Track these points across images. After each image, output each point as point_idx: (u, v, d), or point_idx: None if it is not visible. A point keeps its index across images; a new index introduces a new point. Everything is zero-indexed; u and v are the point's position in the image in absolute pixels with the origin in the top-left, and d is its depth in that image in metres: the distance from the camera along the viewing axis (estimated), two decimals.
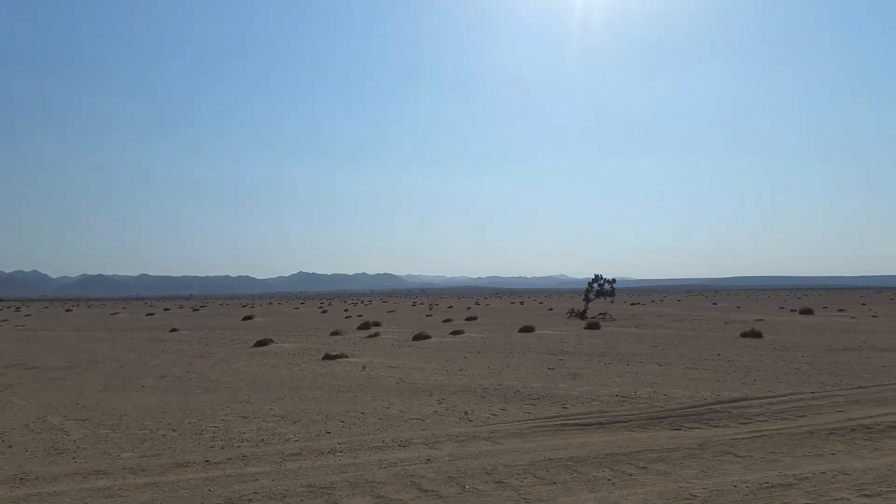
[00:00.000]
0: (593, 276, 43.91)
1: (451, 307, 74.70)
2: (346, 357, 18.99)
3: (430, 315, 50.10)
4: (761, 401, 11.16)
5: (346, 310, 69.13)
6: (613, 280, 44.35)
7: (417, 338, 24.98)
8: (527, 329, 29.27)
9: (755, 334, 24.26)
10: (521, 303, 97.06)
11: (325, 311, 65.99)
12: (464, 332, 28.34)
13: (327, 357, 18.73)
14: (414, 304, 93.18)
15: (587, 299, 42.54)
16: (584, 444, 8.35)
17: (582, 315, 41.10)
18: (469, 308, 68.68)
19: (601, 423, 9.56)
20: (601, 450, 7.94)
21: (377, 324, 36.30)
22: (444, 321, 40.93)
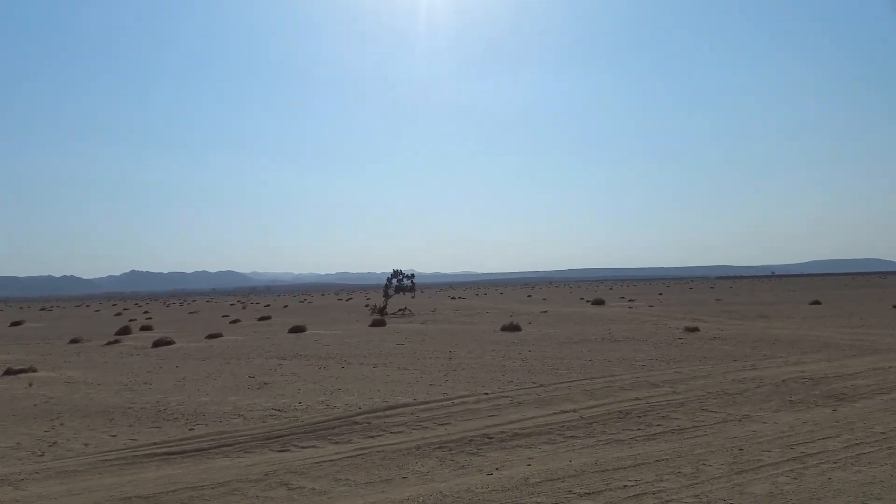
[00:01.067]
0: (392, 272, 43.08)
1: (269, 306, 71.31)
2: (35, 371, 16.17)
3: (227, 316, 46.85)
4: (424, 406, 10.24)
5: (118, 313, 63.26)
6: (412, 275, 43.81)
7: (157, 344, 22.42)
8: (297, 329, 27.48)
9: (514, 327, 24.19)
10: (349, 299, 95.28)
11: (119, 314, 60.01)
12: (222, 336, 26.04)
13: (8, 372, 15.85)
14: (233, 304, 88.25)
15: (387, 295, 41.63)
16: (137, 480, 6.77)
17: (381, 311, 40.08)
18: (286, 306, 65.82)
19: (201, 449, 8.04)
20: (138, 489, 6.41)
21: (148, 328, 32.83)
22: (231, 322, 38.14)
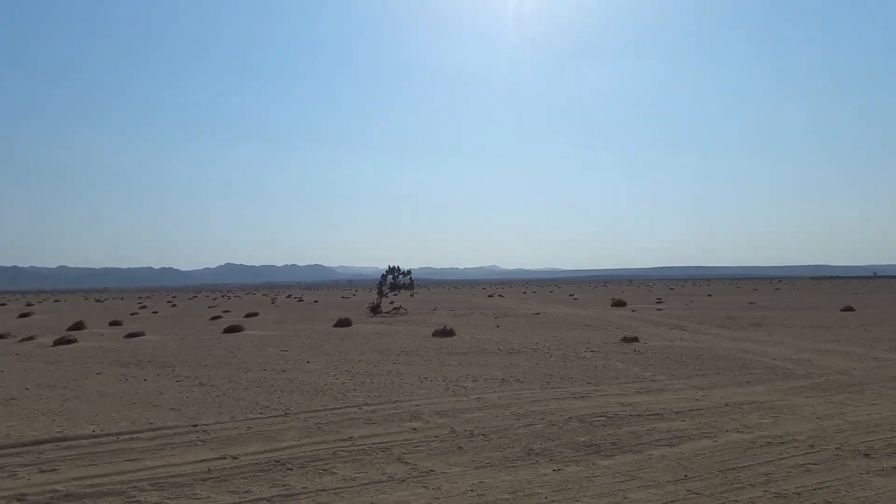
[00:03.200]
0: (388, 268, 41.24)
1: (301, 300, 71.11)
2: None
3: (227, 311, 46.11)
4: (77, 441, 8.31)
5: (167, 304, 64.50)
6: (409, 272, 41.80)
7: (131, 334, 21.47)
8: (233, 329, 26.11)
9: (447, 333, 21.86)
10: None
11: (174, 307, 61.23)
12: (142, 335, 24.96)
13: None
14: (274, 298, 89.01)
15: (381, 293, 39.86)
16: None
17: (375, 309, 38.41)
18: (316, 301, 65.35)
19: None
20: None
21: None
22: (212, 318, 37.40)
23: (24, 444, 8.08)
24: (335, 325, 29.17)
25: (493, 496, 6.14)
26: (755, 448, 7.52)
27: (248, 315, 38.58)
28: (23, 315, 44.43)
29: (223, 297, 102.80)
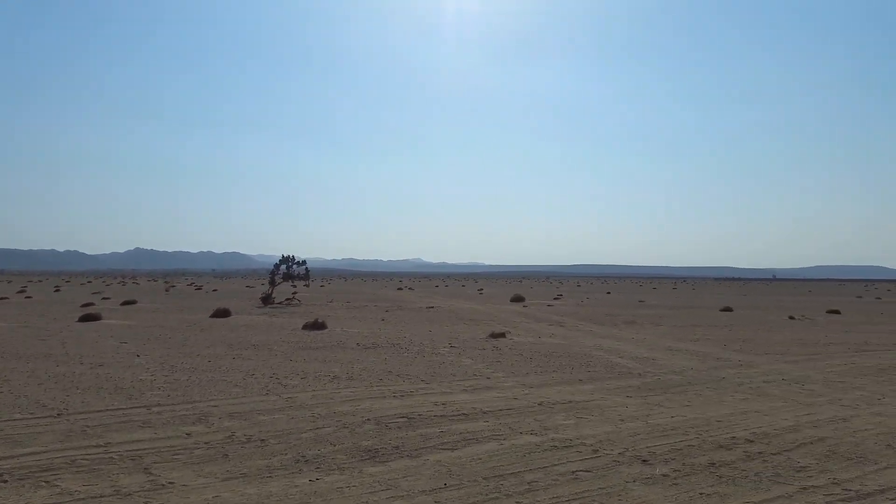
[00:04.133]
0: (281, 257, 39.86)
1: (199, 288, 68.32)
2: None
3: (107, 298, 43.29)
4: None
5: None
6: (304, 262, 40.58)
7: None
8: (88, 318, 24.31)
9: (317, 326, 20.97)
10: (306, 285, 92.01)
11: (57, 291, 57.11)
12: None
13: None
14: (172, 286, 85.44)
15: (273, 283, 38.45)
16: None
17: (266, 300, 36.97)
18: (215, 290, 62.77)
19: None
20: None
21: None
22: (83, 305, 35.01)
23: None
24: (211, 316, 27.78)
25: None
26: (537, 452, 7.14)
27: (125, 303, 36.41)
28: None
29: (120, 283, 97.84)
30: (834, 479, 6.34)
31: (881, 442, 7.62)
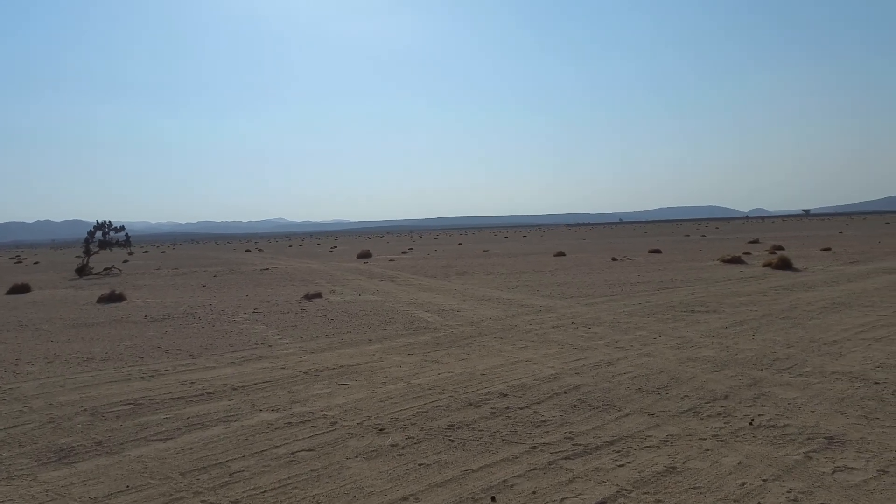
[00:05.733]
0: (96, 223, 36.23)
1: (21, 260, 61.41)
2: None
3: None
4: None
5: None
6: (123, 228, 37.18)
7: None
8: None
9: (114, 297, 18.85)
10: (144, 252, 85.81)
11: None
12: None
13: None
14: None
15: (87, 252, 34.86)
16: None
17: (81, 271, 33.38)
18: (21, 261, 56.49)
19: None
20: None
21: None
22: None
23: None
24: (8, 293, 24.61)
25: None
26: (265, 433, 6.34)
27: None
28: None
29: None
30: (570, 432, 6.06)
31: (633, 386, 7.54)
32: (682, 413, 6.48)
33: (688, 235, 70.79)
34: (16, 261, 66.79)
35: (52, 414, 7.26)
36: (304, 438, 6.20)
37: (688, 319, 12.12)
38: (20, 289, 25.29)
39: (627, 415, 6.55)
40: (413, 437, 6.10)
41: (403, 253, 48.65)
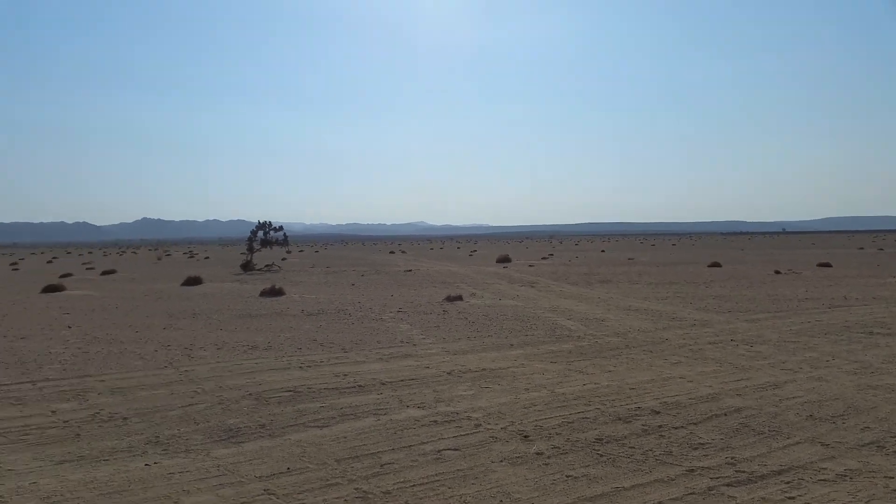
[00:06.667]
0: (258, 223, 39.19)
1: (193, 255, 67.91)
2: None
3: (91, 268, 42.81)
4: None
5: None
6: (281, 227, 39.87)
7: None
8: (51, 288, 23.81)
9: (274, 292, 20.32)
10: (300, 251, 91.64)
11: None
12: None
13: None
14: (162, 255, 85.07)
15: (251, 249, 37.84)
16: None
17: (245, 267, 36.41)
18: (207, 258, 62.28)
19: None
20: None
21: None
22: (62, 276, 34.59)
23: None
24: (182, 284, 27.26)
25: (21, 502, 4.81)
26: (412, 429, 6.50)
27: (105, 272, 35.96)
28: None
29: (120, 253, 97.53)
30: (732, 458, 5.66)
31: (803, 412, 6.92)
32: (863, 446, 5.83)
33: (862, 248, 64.26)
34: (189, 255, 73.84)
35: (221, 396, 7.87)
36: (449, 438, 6.26)
37: (865, 342, 10.96)
38: (193, 281, 27.84)
39: (797, 443, 6.00)
40: (559, 448, 5.97)
41: (543, 258, 48.18)
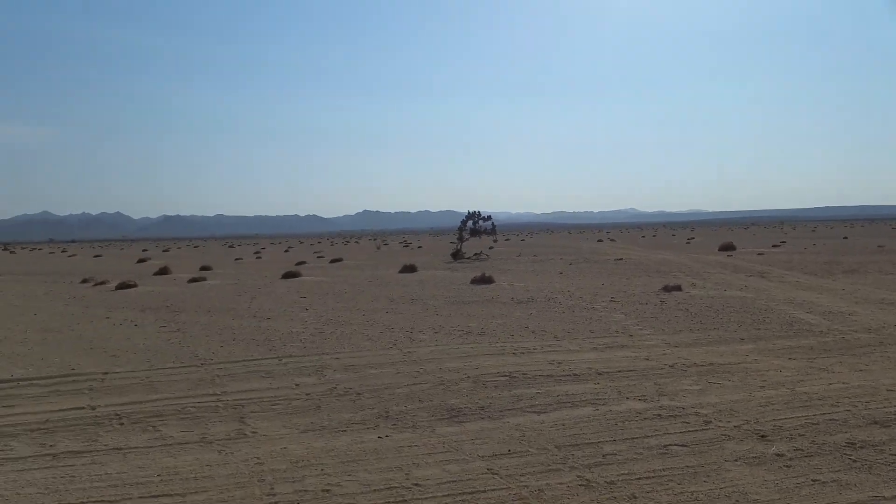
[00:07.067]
0: (468, 213, 40.48)
1: (408, 244, 72.27)
2: None
3: (321, 256, 47.21)
4: None
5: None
6: (489, 217, 40.77)
7: (194, 279, 22.88)
8: (290, 275, 26.76)
9: (484, 280, 21.01)
10: (506, 240, 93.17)
11: (288, 251, 64.64)
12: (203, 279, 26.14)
13: None
14: (381, 244, 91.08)
15: (461, 239, 39.35)
16: None
17: (455, 255, 38.13)
18: (408, 245, 66.03)
19: None
20: None
21: (207, 268, 34.32)
22: (333, 260, 38.73)
23: None
24: (399, 272, 29.09)
25: (275, 465, 5.52)
26: (635, 421, 6.30)
27: (334, 261, 39.57)
28: (140, 260, 48.40)
29: (344, 242, 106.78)
30: None
31: None
32: None
33: None
34: (404, 245, 78.62)
35: (442, 377, 8.23)
36: (675, 433, 5.94)
37: None
38: (409, 269, 29.51)
39: None
40: (803, 450, 5.39)
41: (774, 246, 43.95)
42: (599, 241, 72.05)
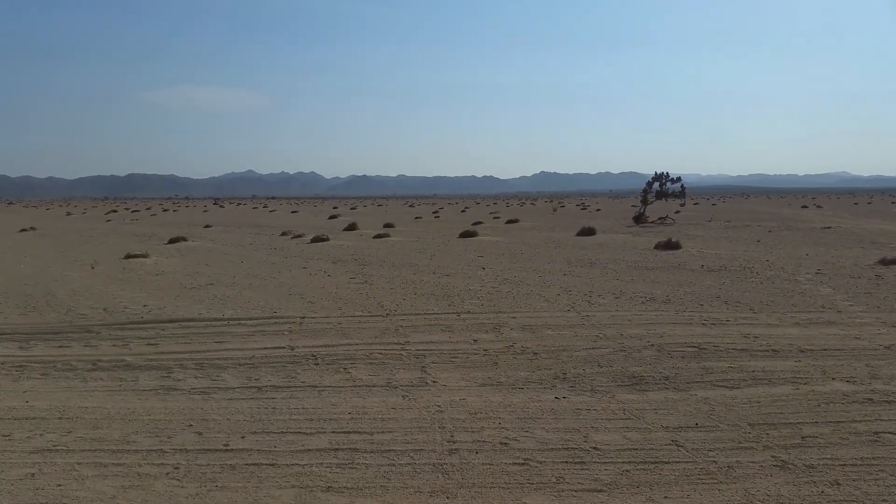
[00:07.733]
0: (654, 174, 38.51)
1: (585, 206, 70.77)
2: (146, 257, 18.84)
3: (497, 217, 47.56)
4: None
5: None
6: (679, 179, 38.44)
7: (378, 235, 24.78)
8: (466, 234, 27.37)
9: (669, 245, 20.11)
10: (695, 204, 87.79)
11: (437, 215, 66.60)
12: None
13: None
14: (558, 206, 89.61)
15: (645, 202, 37.74)
16: None
17: (638, 219, 36.89)
18: (599, 210, 64.44)
19: None
20: None
21: (391, 226, 36.21)
22: (509, 220, 39.49)
23: (161, 322, 9.79)
24: (577, 234, 28.63)
25: (454, 415, 5.77)
26: (840, 403, 5.72)
27: (509, 221, 39.83)
28: (331, 217, 52.11)
29: (519, 204, 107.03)
30: None
31: None
32: None
33: None
34: (581, 207, 77.01)
35: (622, 343, 7.98)
36: (890, 420, 5.31)
37: None
38: (588, 231, 28.85)
39: None
40: None
41: None
42: (804, 207, 65.54)
